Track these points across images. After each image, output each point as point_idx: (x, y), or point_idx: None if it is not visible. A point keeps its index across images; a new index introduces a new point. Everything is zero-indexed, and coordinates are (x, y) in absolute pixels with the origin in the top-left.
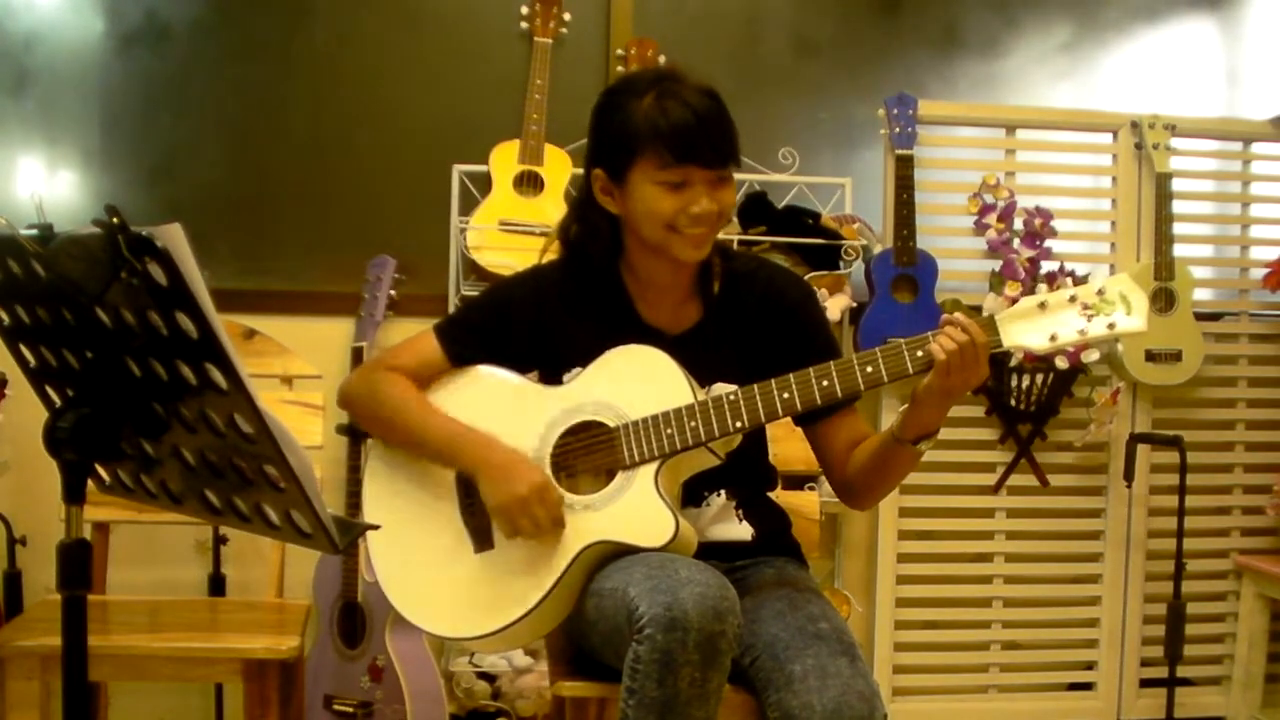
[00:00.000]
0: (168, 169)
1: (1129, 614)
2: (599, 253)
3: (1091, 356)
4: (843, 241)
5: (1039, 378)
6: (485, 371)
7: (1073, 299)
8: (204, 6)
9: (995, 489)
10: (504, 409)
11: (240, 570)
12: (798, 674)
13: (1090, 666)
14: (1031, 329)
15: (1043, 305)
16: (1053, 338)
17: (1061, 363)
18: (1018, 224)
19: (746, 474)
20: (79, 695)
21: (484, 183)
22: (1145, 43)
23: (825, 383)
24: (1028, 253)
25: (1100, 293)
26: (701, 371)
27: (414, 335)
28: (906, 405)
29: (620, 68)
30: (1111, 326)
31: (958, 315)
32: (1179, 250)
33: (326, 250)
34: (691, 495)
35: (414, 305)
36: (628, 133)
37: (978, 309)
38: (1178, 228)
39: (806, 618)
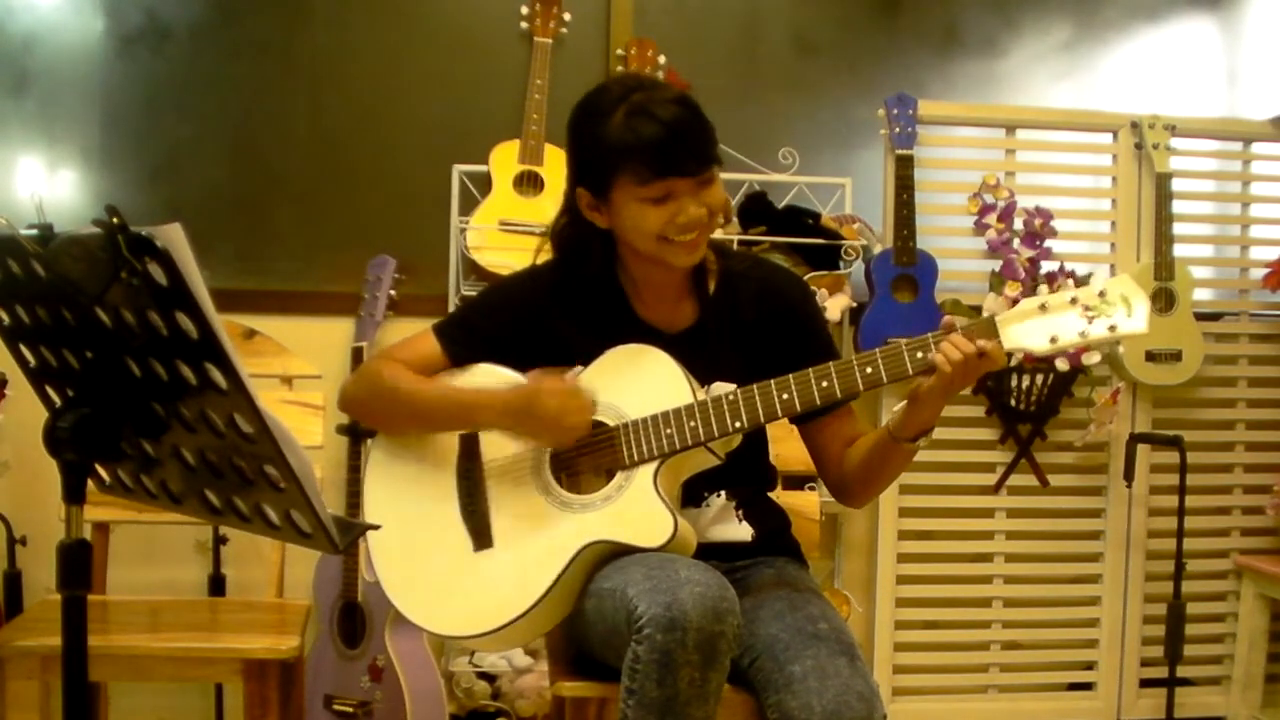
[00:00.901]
0: (168, 169)
1: (1129, 614)
2: (593, 261)
3: (1093, 359)
4: (843, 241)
5: (1039, 378)
6: (485, 370)
7: (1074, 301)
8: (204, 7)
9: (995, 489)
10: None
11: (240, 570)
12: (797, 675)
13: (1090, 666)
14: (1032, 330)
15: (1043, 307)
16: (1053, 339)
17: (1062, 364)
18: (1018, 224)
19: (746, 474)
20: (79, 695)
21: (484, 183)
22: (1145, 43)
23: (825, 384)
24: (1028, 253)
25: (1101, 294)
26: (699, 370)
27: (413, 335)
28: (903, 404)
29: (620, 68)
30: (1113, 329)
31: (958, 329)
32: (1179, 250)
33: (326, 250)
34: (691, 495)
35: (414, 305)
36: (603, 153)
37: (978, 309)
38: (1178, 228)
39: (806, 618)
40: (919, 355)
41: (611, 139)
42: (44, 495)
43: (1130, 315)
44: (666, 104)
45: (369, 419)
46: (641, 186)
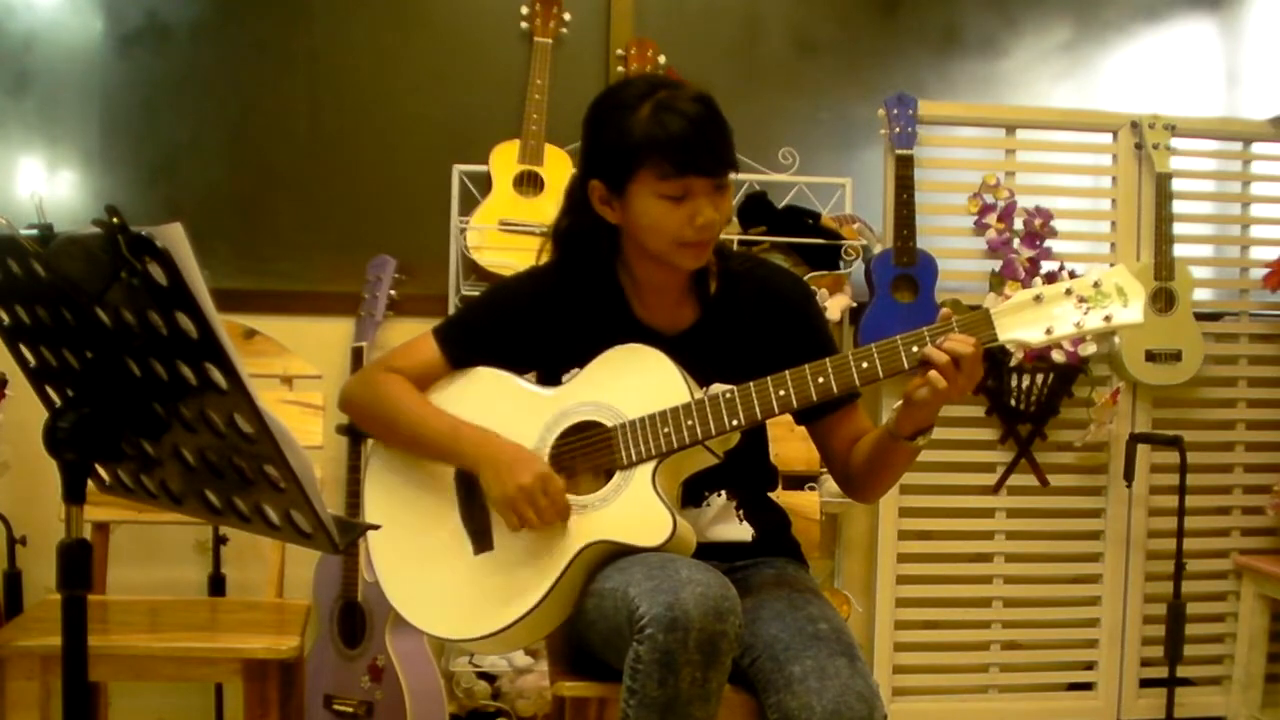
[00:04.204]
0: (168, 169)
1: (1129, 614)
2: (597, 257)
3: (1089, 349)
4: (843, 241)
5: (1039, 378)
6: (484, 373)
7: (1068, 292)
8: (204, 6)
9: (995, 489)
10: (503, 410)
11: (240, 570)
12: (797, 675)
13: (1090, 666)
14: (1027, 323)
15: (1038, 299)
16: (1048, 331)
17: (1059, 356)
18: (1018, 224)
19: (747, 474)
20: (79, 695)
21: (484, 183)
22: (1145, 43)
23: (821, 380)
24: (1028, 253)
25: (1096, 285)
26: (699, 372)
27: (413, 338)
28: (900, 403)
29: (620, 68)
30: (1108, 319)
31: (954, 322)
32: (1179, 250)
33: (326, 250)
34: (692, 495)
35: (414, 305)
36: (626, 146)
37: (977, 309)
38: (1178, 228)
39: (806, 618)
40: (914, 350)
41: (636, 132)
42: (44, 495)
43: (1126, 306)
44: (693, 102)
45: (367, 430)
46: (662, 182)
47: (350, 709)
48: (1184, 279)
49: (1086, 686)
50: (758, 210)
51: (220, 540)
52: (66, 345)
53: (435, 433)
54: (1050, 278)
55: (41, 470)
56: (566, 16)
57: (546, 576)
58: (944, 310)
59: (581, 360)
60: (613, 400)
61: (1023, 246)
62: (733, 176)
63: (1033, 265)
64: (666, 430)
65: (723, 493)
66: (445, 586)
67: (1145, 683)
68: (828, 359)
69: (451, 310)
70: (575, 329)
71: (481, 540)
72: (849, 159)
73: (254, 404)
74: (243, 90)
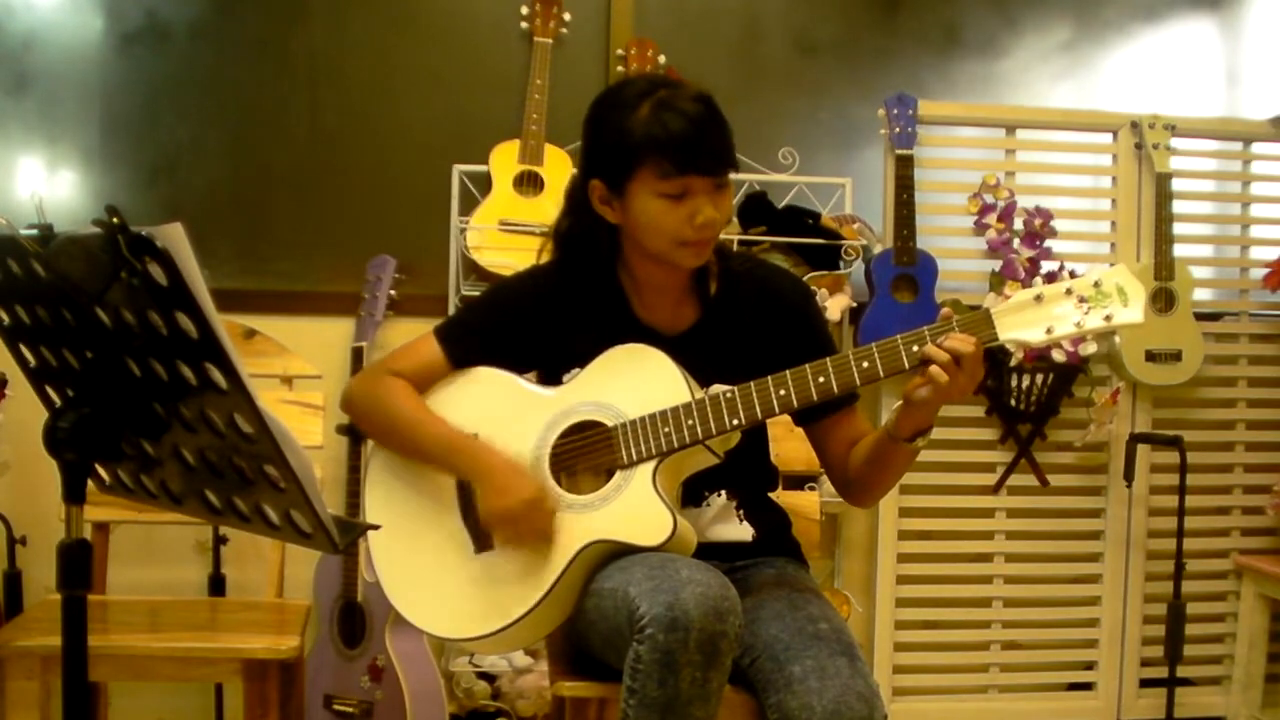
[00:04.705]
0: (168, 169)
1: (1129, 614)
2: (598, 256)
3: (1089, 349)
4: (843, 241)
5: (1039, 378)
6: (485, 373)
7: (1069, 292)
8: (204, 6)
9: (995, 489)
10: (504, 410)
11: (240, 570)
12: (797, 675)
13: (1090, 666)
14: (1027, 323)
15: (1039, 298)
16: (1049, 331)
17: (1059, 356)
18: (1018, 224)
19: (747, 474)
20: (79, 695)
21: (484, 183)
22: (1145, 43)
23: (822, 379)
24: (1028, 253)
25: (1097, 285)
26: (699, 372)
27: (415, 339)
28: (899, 405)
29: (620, 68)
30: (1108, 319)
31: (954, 322)
32: (1179, 250)
33: (326, 250)
34: (692, 495)
35: (414, 305)
36: (626, 145)
37: (977, 309)
38: (1178, 228)
39: (806, 618)
40: (914, 349)
41: (636, 131)
42: (44, 495)
43: (1127, 306)
44: (693, 101)
45: (366, 432)
46: (662, 180)
47: (350, 709)
48: (1184, 279)
49: (1086, 686)
50: (758, 210)
51: (220, 540)
52: (66, 345)
53: (432, 443)
54: (1050, 277)
55: (41, 470)
56: (566, 16)
57: (546, 576)
58: (944, 310)
59: (582, 360)
60: (613, 400)
61: (1023, 246)
62: (732, 176)
63: (1033, 265)
64: (667, 430)
65: (723, 492)
66: (445, 586)
67: (1145, 683)
68: (828, 359)
69: (452, 310)
70: (576, 329)
71: (482, 540)
72: (849, 159)
73: (254, 404)
74: (242, 90)
